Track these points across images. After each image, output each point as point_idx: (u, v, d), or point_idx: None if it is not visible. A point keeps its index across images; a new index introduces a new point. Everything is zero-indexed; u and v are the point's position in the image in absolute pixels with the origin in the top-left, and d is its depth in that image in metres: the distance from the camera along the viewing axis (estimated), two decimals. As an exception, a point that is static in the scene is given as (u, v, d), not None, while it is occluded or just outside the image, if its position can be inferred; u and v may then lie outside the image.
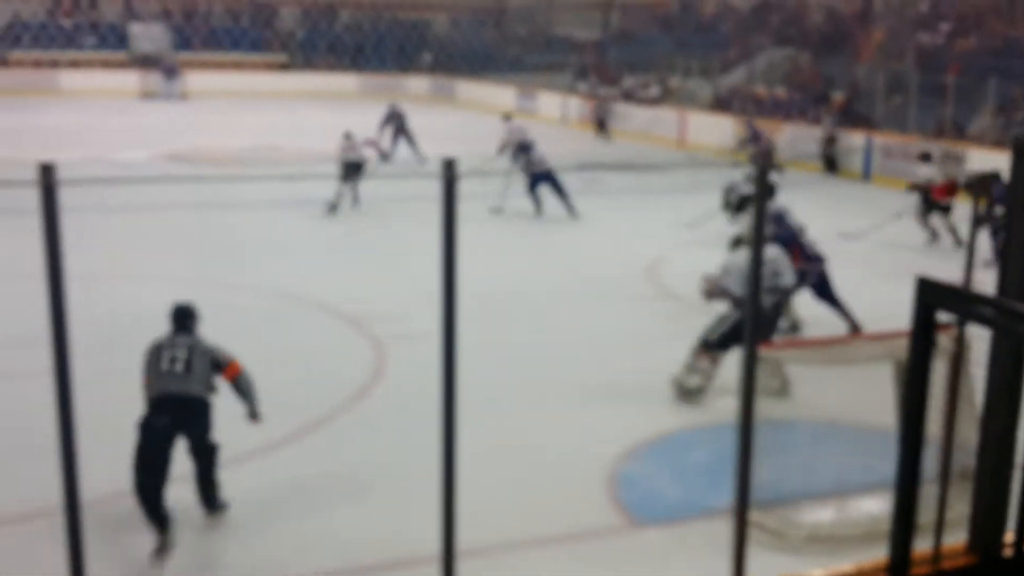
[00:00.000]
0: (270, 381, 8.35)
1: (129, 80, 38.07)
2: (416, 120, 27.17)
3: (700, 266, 8.91)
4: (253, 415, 6.25)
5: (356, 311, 10.32)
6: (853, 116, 23.03)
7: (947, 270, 8.40)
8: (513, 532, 5.95)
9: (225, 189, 17.55)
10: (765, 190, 2.80)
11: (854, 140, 21.50)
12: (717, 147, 24.41)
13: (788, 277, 8.02)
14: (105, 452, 6.66)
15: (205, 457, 5.99)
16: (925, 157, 15.32)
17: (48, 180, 2.49)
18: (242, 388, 6.23)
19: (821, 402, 7.54)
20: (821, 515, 6.11)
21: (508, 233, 14.69)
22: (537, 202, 15.93)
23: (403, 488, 6.46)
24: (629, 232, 15.08)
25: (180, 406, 5.83)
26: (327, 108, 33.51)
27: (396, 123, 23.00)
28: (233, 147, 23.38)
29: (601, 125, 28.36)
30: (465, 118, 31.70)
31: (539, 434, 7.41)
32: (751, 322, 3.01)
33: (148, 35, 40.84)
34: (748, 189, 13.13)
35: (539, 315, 10.66)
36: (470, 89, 38.57)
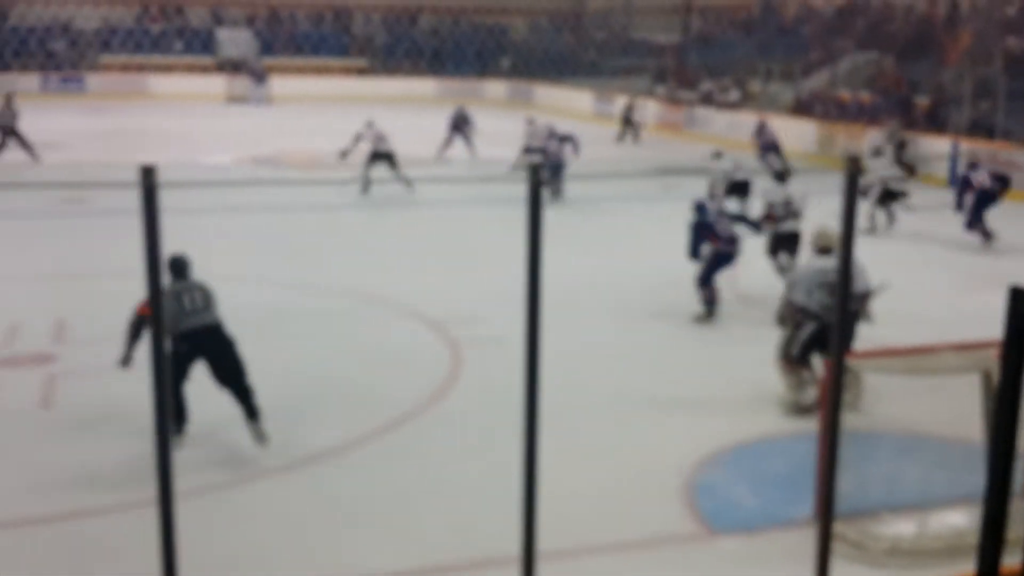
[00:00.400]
0: (351, 379, 8.52)
1: (216, 84, 38.96)
2: (493, 124, 27.35)
3: (769, 275, 8.83)
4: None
5: (434, 313, 10.41)
6: (939, 121, 22.51)
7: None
8: (590, 536, 5.95)
9: (308, 192, 17.85)
10: (854, 196, 2.76)
11: (939, 146, 21.01)
12: (798, 151, 24.07)
13: (861, 283, 7.84)
14: (190, 444, 6.85)
15: (239, 370, 6.92)
16: (972, 166, 15.23)
17: (149, 182, 2.58)
18: None
19: (903, 413, 7.39)
20: (903, 528, 5.99)
21: (574, 237, 14.65)
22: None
23: (481, 488, 6.50)
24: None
25: (211, 333, 6.89)
26: (406, 112, 33.84)
27: (462, 125, 23.33)
28: (315, 151, 23.76)
29: (627, 122, 28.14)
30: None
31: (617, 439, 7.40)
32: (838, 332, 2.98)
33: (234, 40, 41.74)
34: (742, 176, 15.56)
35: (615, 319, 10.63)
36: (548, 93, 38.61)
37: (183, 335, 6.81)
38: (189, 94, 37.71)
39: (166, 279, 6.71)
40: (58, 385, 8.22)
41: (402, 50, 43.55)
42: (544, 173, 17.20)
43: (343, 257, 13.12)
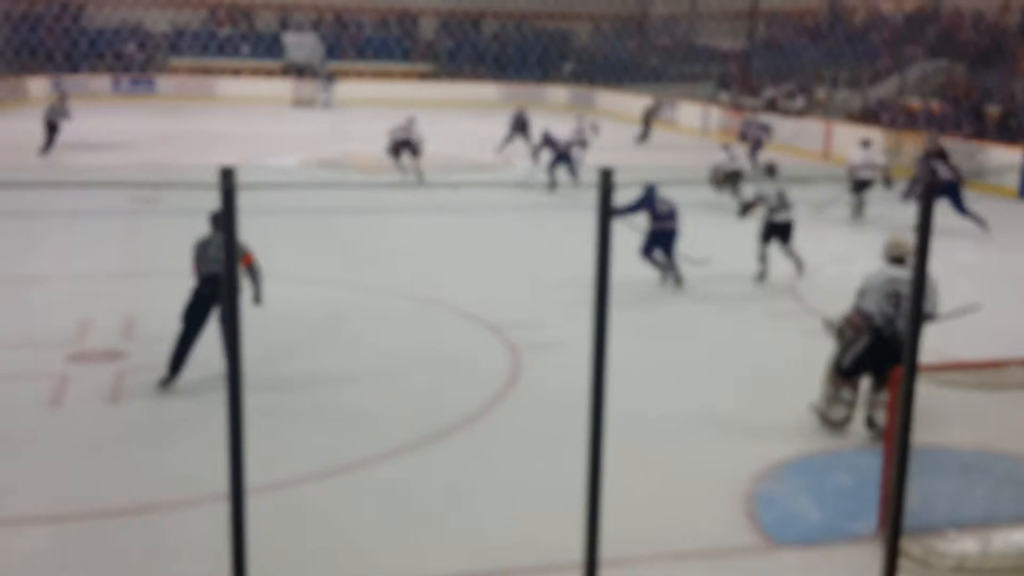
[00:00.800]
0: (410, 382, 8.59)
1: (282, 88, 39.51)
2: (554, 129, 27.31)
3: (841, 282, 8.73)
4: (257, 299, 8.22)
5: (493, 316, 10.45)
6: (1010, 131, 22.04)
7: None
8: (650, 545, 5.93)
9: (371, 194, 18.03)
10: (930, 205, 2.73)
11: (1010, 156, 20.57)
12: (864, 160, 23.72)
13: (932, 302, 7.54)
14: (258, 439, 6.92)
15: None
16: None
17: (228, 183, 2.64)
18: (253, 272, 8.22)
19: (971, 429, 7.25)
20: (969, 545, 5.88)
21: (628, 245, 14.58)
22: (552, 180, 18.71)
23: (541, 493, 6.51)
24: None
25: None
26: (469, 116, 34.01)
27: (522, 128, 23.67)
28: (379, 154, 23.97)
29: (646, 123, 28.87)
30: (607, 128, 31.59)
31: (679, 449, 7.37)
32: (913, 343, 2.94)
33: (300, 44, 42.30)
34: (733, 167, 17.56)
35: (679, 325, 10.59)
36: (610, 99, 38.54)
37: (203, 278, 8.15)
38: (256, 97, 38.30)
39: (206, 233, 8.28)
40: (127, 381, 8.40)
41: (465, 55, 43.77)
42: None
43: (404, 260, 13.23)
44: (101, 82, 38.26)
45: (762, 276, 12.41)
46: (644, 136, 28.82)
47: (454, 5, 44.61)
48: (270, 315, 9.95)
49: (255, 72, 40.91)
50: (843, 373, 7.59)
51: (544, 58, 43.70)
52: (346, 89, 39.20)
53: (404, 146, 19.71)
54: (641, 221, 11.75)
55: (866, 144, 17.99)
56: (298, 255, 13.11)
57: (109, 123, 28.98)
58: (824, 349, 7.99)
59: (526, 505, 6.39)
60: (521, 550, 5.82)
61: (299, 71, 40.86)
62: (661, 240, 11.81)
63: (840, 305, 8.12)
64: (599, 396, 2.78)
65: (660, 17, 44.69)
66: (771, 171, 12.75)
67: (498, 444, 7.38)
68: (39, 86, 36.04)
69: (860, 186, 17.11)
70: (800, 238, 12.73)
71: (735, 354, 9.68)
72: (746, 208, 12.80)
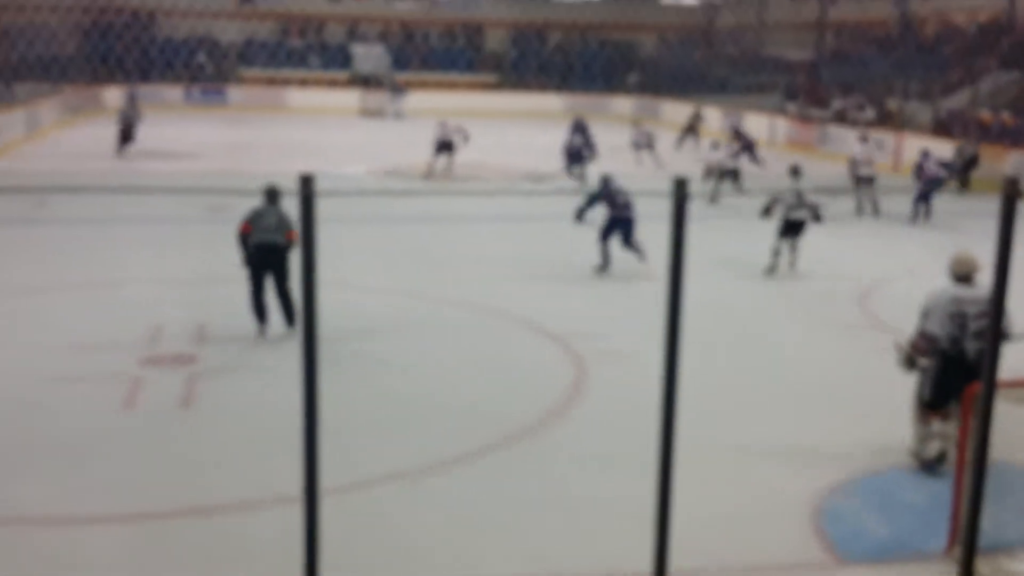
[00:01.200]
0: (474, 390, 8.63)
1: (350, 98, 39.99)
2: (619, 139, 27.28)
3: (915, 296, 8.53)
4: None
5: (557, 326, 10.46)
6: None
7: None
8: (716, 558, 5.88)
9: (436, 203, 18.17)
10: (1011, 218, 2.68)
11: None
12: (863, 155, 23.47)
13: (1006, 321, 7.14)
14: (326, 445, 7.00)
15: (283, 280, 9.75)
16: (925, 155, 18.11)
17: (307, 190, 2.69)
18: (295, 246, 9.28)
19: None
20: (1043, 566, 5.73)
21: (708, 250, 14.49)
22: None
23: (604, 504, 6.50)
24: (839, 257, 14.61)
25: (270, 249, 9.66)
26: (533, 127, 34.09)
27: (580, 133, 24.02)
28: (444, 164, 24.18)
29: (691, 129, 29.91)
30: (669, 138, 31.50)
31: (746, 462, 7.30)
32: (992, 362, 2.89)
33: (368, 56, 42.82)
34: (732, 165, 19.49)
35: (746, 336, 10.50)
36: (675, 110, 38.34)
37: (254, 245, 9.62)
38: (324, 107, 38.81)
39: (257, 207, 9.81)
40: (198, 385, 8.57)
41: (531, 66, 43.91)
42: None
43: (468, 268, 13.30)
44: (173, 92, 39.08)
45: (772, 269, 13.18)
46: (681, 142, 29.86)
47: (521, 17, 44.83)
48: (334, 323, 10.08)
49: (324, 83, 41.48)
50: (928, 405, 7.18)
51: (609, 69, 43.66)
52: (413, 99, 39.55)
53: (444, 147, 21.80)
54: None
55: (864, 139, 18.90)
56: (363, 263, 13.25)
57: (181, 132, 29.60)
58: (893, 362, 7.85)
59: (590, 516, 6.38)
60: (585, 561, 5.81)
61: (366, 82, 41.34)
62: (619, 226, 12.86)
63: (904, 317, 7.96)
64: (670, 407, 2.78)
65: (727, 28, 44.39)
66: (796, 172, 13.85)
67: (562, 454, 7.38)
68: (113, 95, 36.94)
69: (860, 183, 18.26)
70: (867, 246, 12.54)
71: (801, 368, 9.57)
72: (767, 210, 13.29)
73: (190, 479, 6.76)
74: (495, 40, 46.40)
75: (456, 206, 18.24)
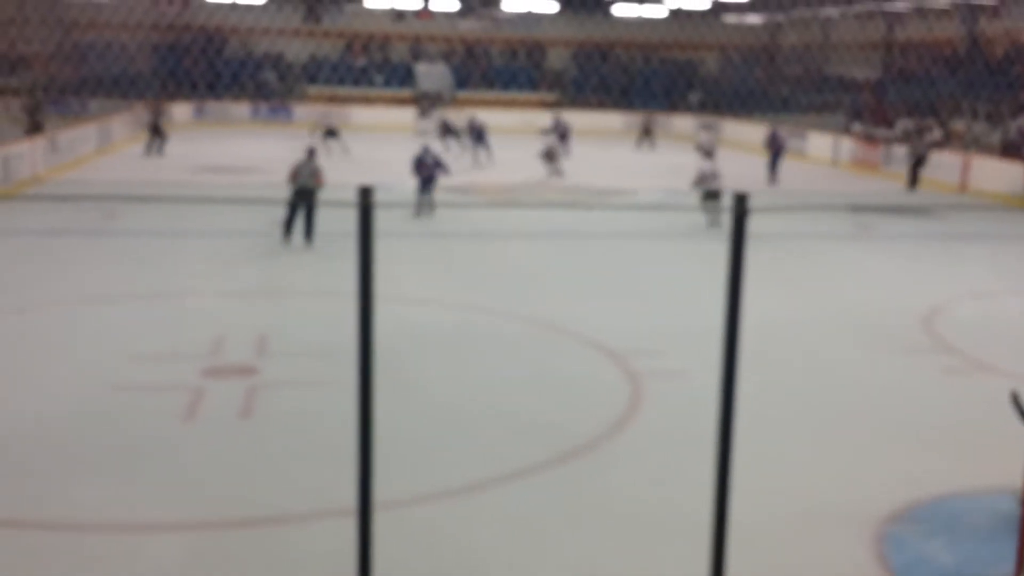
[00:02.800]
0: (530, 406, 8.62)
1: (412, 116, 40.34)
2: (678, 158, 27.18)
3: (981, 319, 8.40)
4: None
5: (614, 343, 10.41)
6: None
7: None
8: (771, 580, 5.80)
9: (495, 219, 18.23)
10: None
11: None
12: (1003, 193, 22.88)
13: None
14: (380, 458, 7.04)
15: (312, 211, 14.94)
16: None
17: (366, 201, 2.72)
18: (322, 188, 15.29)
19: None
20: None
21: (767, 273, 14.36)
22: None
23: (660, 520, 6.44)
24: (903, 279, 14.36)
25: (306, 191, 15.10)
26: (592, 145, 34.09)
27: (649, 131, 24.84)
28: (505, 181, 24.30)
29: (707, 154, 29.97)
30: (728, 157, 31.26)
31: (807, 483, 7.19)
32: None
33: (431, 74, 43.21)
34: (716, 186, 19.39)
35: (811, 359, 10.35)
36: (736, 129, 38.10)
37: (297, 188, 15.09)
38: (387, 125, 39.18)
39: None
40: (258, 396, 8.67)
41: (592, 84, 43.96)
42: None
43: (526, 284, 13.31)
44: (241, 109, 39.78)
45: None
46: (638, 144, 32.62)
47: (583, 35, 44.93)
48: (392, 336, 10.15)
49: (387, 101, 41.91)
50: None
51: (670, 88, 43.53)
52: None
53: (549, 157, 24.64)
54: None
55: (708, 154, 20.29)
56: (422, 277, 13.33)
57: (247, 148, 30.12)
58: (963, 387, 7.70)
59: (646, 531, 6.32)
60: (639, 579, 5.76)
61: (429, 99, 41.68)
62: (426, 183, 17.94)
63: (970, 339, 7.80)
64: (727, 426, 2.75)
65: (791, 46, 44.03)
66: (710, 154, 17.86)
67: (618, 470, 7.33)
68: (183, 111, 37.77)
69: (709, 196, 18.74)
70: (931, 270, 12.26)
71: (863, 390, 9.40)
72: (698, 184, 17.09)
73: (246, 489, 6.83)
74: (556, 58, 46.54)
75: (514, 221, 18.28)
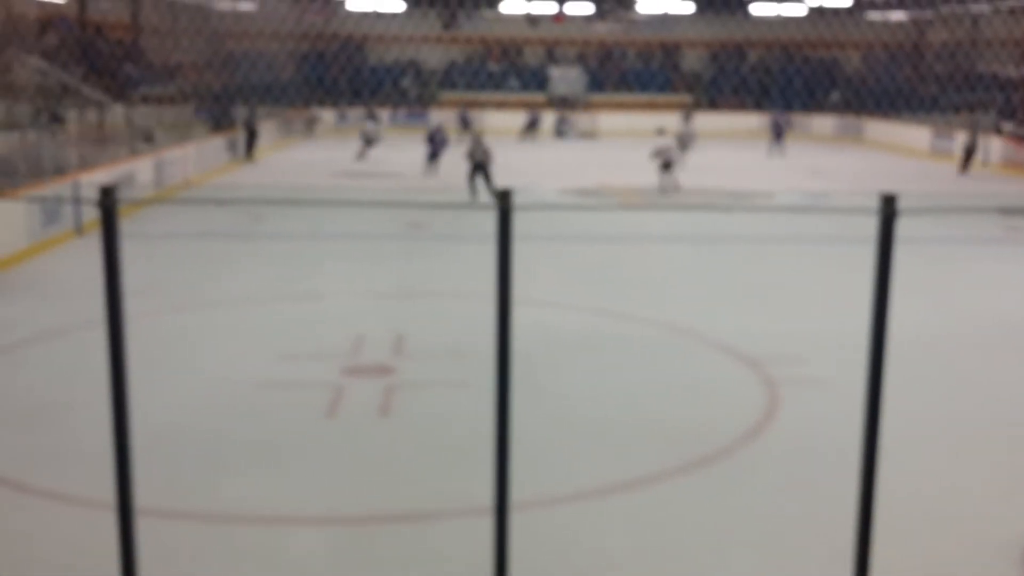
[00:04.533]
0: (662, 411, 8.55)
1: (547, 120, 40.53)
2: (819, 159, 26.47)
3: None
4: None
5: (751, 350, 10.23)
6: None
7: None
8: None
9: (629, 222, 18.16)
10: None
11: None
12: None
13: None
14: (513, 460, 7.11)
15: (488, 178, 20.16)
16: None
17: (505, 205, 2.76)
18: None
19: None
20: None
21: (909, 278, 13.85)
22: None
23: (797, 534, 6.30)
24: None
25: (481, 166, 20.55)
26: (728, 147, 33.58)
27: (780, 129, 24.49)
28: (636, 183, 24.15)
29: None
30: (868, 158, 30.38)
31: (954, 501, 6.91)
32: None
33: (565, 77, 43.33)
34: (672, 158, 22.88)
35: (952, 367, 9.95)
36: (879, 129, 36.92)
37: (474, 165, 19.04)
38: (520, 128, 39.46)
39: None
40: (395, 395, 8.87)
41: (729, 85, 43.30)
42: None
43: (659, 288, 13.21)
44: (380, 115, 40.71)
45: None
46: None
47: (720, 35, 44.29)
48: (525, 339, 10.23)
49: (521, 105, 42.20)
50: None
51: (810, 87, 42.48)
52: (607, 121, 39.68)
53: (666, 165, 24.33)
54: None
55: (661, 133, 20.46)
56: (553, 281, 13.38)
57: (386, 153, 30.82)
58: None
59: (780, 544, 6.19)
60: (776, 590, 5.65)
61: (562, 103, 41.81)
62: (433, 156, 24.37)
63: None
64: (872, 437, 2.67)
65: (939, 44, 42.36)
66: (661, 133, 19.21)
67: (751, 481, 7.20)
68: (325, 117, 38.97)
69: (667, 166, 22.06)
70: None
71: (1016, 404, 8.98)
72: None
73: (384, 486, 6.99)
74: (693, 59, 46.01)
75: (648, 225, 18.16)
